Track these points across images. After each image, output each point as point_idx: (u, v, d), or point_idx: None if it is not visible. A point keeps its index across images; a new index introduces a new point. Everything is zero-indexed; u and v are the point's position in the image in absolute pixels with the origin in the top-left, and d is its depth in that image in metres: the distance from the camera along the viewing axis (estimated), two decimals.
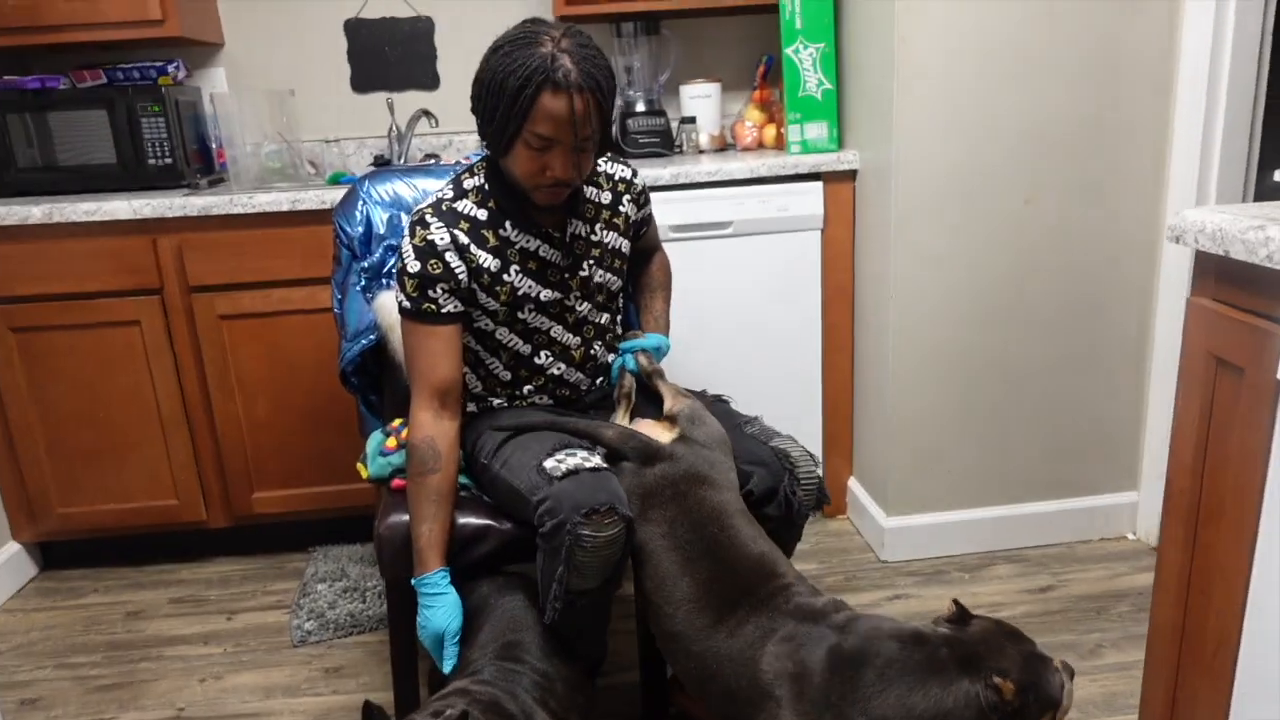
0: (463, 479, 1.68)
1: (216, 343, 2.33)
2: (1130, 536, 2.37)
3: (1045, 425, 2.30)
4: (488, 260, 1.54)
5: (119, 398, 2.34)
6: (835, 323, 2.45)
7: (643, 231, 1.77)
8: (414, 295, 1.51)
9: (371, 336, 1.86)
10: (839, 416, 2.53)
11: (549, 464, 1.41)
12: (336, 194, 2.17)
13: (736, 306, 2.42)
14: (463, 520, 1.58)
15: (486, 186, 1.57)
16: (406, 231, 1.53)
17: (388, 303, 1.85)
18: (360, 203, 1.91)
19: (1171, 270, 2.17)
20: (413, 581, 1.49)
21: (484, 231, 1.55)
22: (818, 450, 2.54)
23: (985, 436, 2.29)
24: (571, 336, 1.65)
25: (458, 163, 2.07)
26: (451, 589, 1.49)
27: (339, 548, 2.53)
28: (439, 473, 1.50)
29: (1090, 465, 2.34)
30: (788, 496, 1.56)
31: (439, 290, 1.51)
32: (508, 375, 1.65)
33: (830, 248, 2.40)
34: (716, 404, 1.71)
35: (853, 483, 2.54)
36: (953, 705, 1.11)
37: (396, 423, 1.79)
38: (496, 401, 1.68)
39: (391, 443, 1.74)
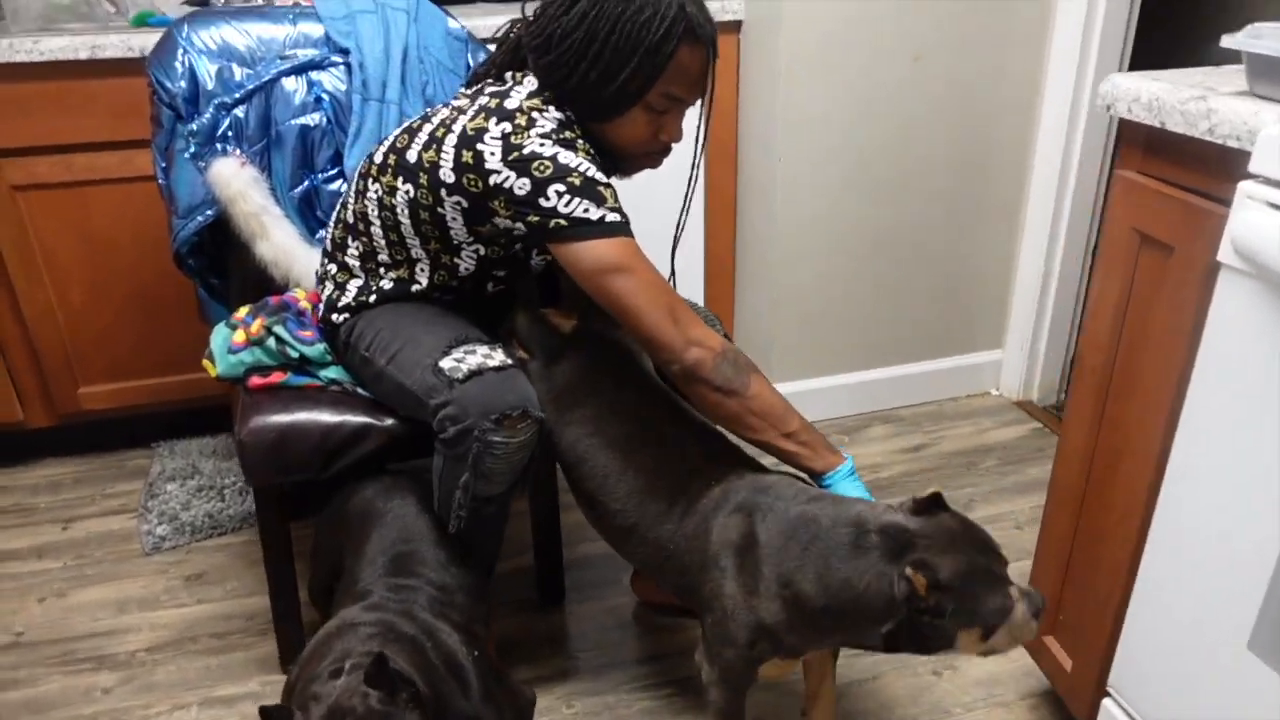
0: (333, 373, 1.52)
1: (12, 219, 1.98)
2: (993, 392, 2.47)
3: (922, 289, 2.32)
4: None
5: None
6: (718, 184, 2.35)
7: None
8: (617, 205, 1.23)
9: (208, 212, 1.61)
10: (721, 281, 2.47)
11: (446, 364, 1.27)
12: (146, 39, 1.82)
13: None
14: (339, 419, 1.43)
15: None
16: (553, 138, 1.22)
17: (225, 171, 1.60)
18: (180, 52, 1.61)
19: (1049, 129, 2.17)
20: (824, 479, 1.23)
21: None
22: None
23: (865, 301, 2.29)
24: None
25: (296, 3, 1.77)
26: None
27: (186, 441, 2.30)
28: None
29: (961, 326, 2.40)
30: None
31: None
32: (435, 277, 1.42)
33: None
34: None
35: None
36: (864, 589, 1.03)
37: (242, 312, 1.58)
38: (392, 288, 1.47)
39: (240, 337, 1.53)
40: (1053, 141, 2.17)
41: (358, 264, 1.45)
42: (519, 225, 1.25)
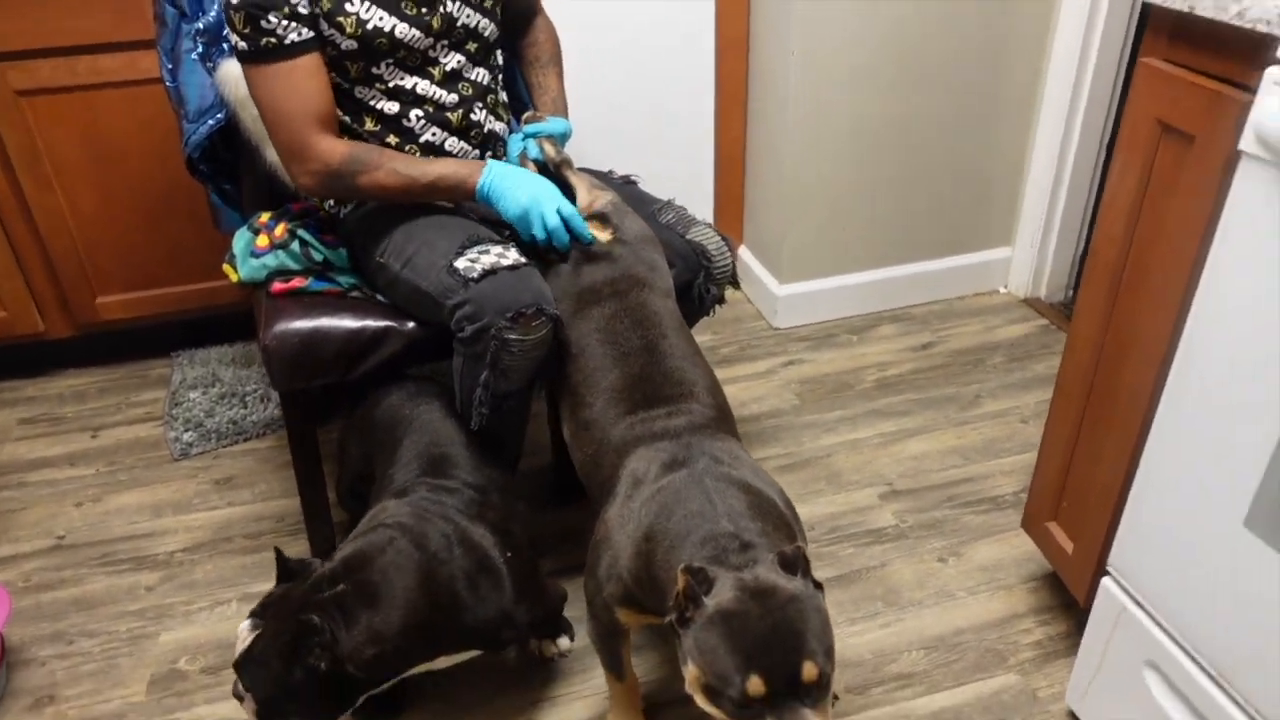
0: (354, 279, 1.53)
1: (19, 125, 1.96)
2: (1002, 290, 2.49)
3: (933, 185, 2.30)
4: None
5: None
6: (729, 76, 2.31)
7: None
8: (246, 31, 1.29)
9: (219, 115, 1.60)
10: (731, 177, 2.46)
11: (461, 264, 1.29)
12: None
13: (623, 55, 2.23)
14: (360, 323, 1.46)
15: None
16: None
17: (235, 71, 1.57)
18: None
19: (1069, 16, 2.12)
20: (480, 188, 1.37)
21: None
22: (709, 217, 2.49)
23: (876, 198, 2.28)
24: (444, 93, 1.45)
25: None
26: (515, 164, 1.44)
27: (205, 350, 2.34)
28: (391, 154, 1.40)
29: (971, 223, 2.39)
30: (700, 294, 1.53)
31: (274, 20, 1.28)
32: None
33: None
34: (625, 186, 1.60)
35: (744, 251, 2.52)
36: (669, 574, 0.99)
37: (265, 217, 1.59)
38: None
39: (263, 241, 1.55)
40: (1072, 30, 2.12)
41: None
42: None
